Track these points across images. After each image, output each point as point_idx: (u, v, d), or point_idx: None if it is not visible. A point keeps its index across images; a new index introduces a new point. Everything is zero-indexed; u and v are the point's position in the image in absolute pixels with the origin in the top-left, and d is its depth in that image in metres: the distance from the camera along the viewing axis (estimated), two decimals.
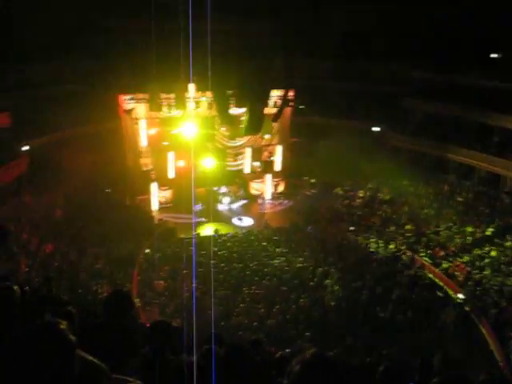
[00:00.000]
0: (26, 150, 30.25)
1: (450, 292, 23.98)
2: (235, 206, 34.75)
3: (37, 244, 23.56)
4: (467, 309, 22.16)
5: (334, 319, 20.35)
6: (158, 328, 4.14)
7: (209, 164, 33.96)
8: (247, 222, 33.09)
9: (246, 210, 34.72)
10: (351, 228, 30.84)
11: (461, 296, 22.93)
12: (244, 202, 34.94)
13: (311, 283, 23.35)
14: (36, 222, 26.12)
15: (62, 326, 2.24)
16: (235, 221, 33.06)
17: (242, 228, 31.97)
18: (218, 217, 32.95)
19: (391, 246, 27.78)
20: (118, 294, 4.49)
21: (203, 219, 32.18)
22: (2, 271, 19.73)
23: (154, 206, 33.81)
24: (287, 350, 17.50)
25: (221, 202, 35.16)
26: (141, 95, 31.42)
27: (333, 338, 18.90)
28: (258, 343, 7.22)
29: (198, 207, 32.93)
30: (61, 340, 2.18)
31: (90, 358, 2.51)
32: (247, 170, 37.70)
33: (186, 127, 33.12)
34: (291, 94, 34.05)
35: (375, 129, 38.47)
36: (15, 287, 3.46)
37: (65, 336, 2.21)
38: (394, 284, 23.55)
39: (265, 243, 28.70)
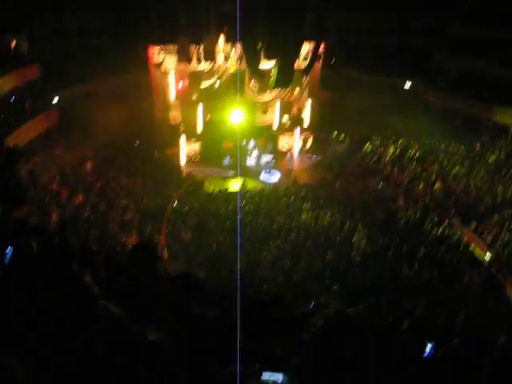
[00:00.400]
0: (56, 103, 30.48)
1: (478, 252, 23.79)
2: (263, 160, 34.48)
3: (67, 195, 23.93)
4: (494, 269, 22.04)
5: (360, 275, 20.41)
6: (182, 279, 4.17)
7: (237, 118, 33.76)
8: (275, 175, 33.01)
9: (274, 165, 34.56)
10: (380, 184, 30.60)
11: (488, 256, 22.77)
12: (271, 157, 34.53)
13: (338, 238, 23.39)
14: (66, 173, 26.46)
15: (86, 278, 2.27)
16: (263, 175, 33.00)
17: (269, 183, 31.97)
18: (246, 171, 33.02)
19: (419, 204, 27.51)
20: (144, 246, 4.52)
21: (231, 172, 32.32)
22: (35, 221, 20.23)
23: (183, 159, 33.91)
24: (311, 306, 17.84)
25: (250, 154, 35.00)
26: (170, 46, 31.16)
27: (357, 294, 19.05)
28: (279, 300, 7.24)
29: (227, 160, 32.99)
30: (84, 291, 2.21)
31: (114, 308, 2.53)
32: (276, 124, 37.46)
33: (216, 81, 32.98)
34: (322, 47, 33.41)
35: (408, 83, 37.75)
36: None
37: (88, 287, 2.24)
38: (421, 242, 23.46)
39: (292, 199, 28.69)
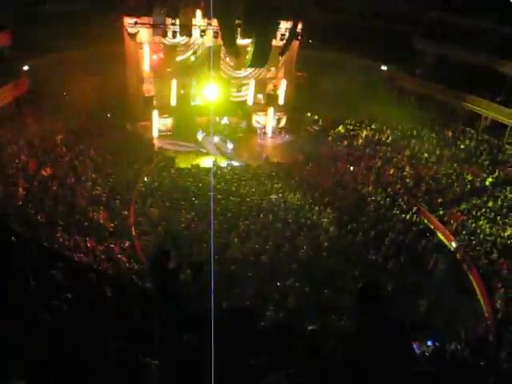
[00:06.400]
0: (26, 70, 29.68)
1: (444, 239, 24.12)
2: (228, 145, 33.77)
3: (35, 167, 23.41)
4: (459, 257, 22.39)
5: (327, 260, 20.51)
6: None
7: (212, 93, 33.45)
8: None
9: (245, 143, 34.44)
10: (351, 168, 30.71)
11: (454, 244, 23.11)
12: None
13: (307, 222, 23.44)
14: (35, 144, 25.84)
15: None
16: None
17: (239, 162, 31.75)
18: (217, 148, 32.90)
19: (389, 189, 27.72)
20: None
21: (203, 149, 32.19)
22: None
23: (155, 133, 33.54)
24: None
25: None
26: (145, 19, 30.46)
27: (324, 278, 19.18)
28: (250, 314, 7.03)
29: (200, 135, 32.73)
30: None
31: None
32: (250, 101, 37.26)
33: (192, 55, 32.59)
34: (300, 26, 33.03)
35: (384, 68, 37.73)
36: None
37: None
38: (389, 228, 23.66)
39: (263, 178, 28.66)
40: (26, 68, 29.59)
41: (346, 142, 33.58)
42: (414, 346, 5.33)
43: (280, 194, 26.62)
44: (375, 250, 21.69)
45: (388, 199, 26.66)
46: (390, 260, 20.91)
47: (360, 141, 33.70)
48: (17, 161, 23.37)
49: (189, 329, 3.89)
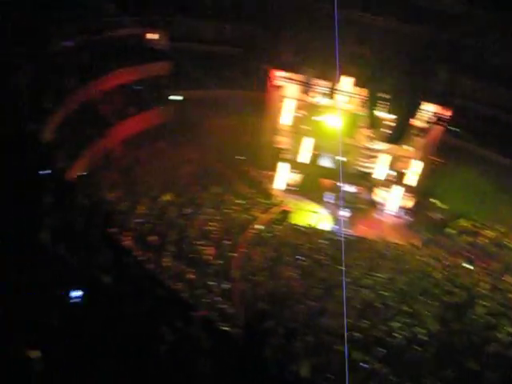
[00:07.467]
0: (174, 101, 31.45)
1: None
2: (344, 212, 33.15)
3: (158, 193, 24.49)
4: None
5: (420, 354, 19.50)
6: None
7: (342, 159, 33.58)
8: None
9: (363, 216, 34.04)
10: (467, 266, 29.26)
11: None
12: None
13: (410, 309, 22.49)
14: (163, 171, 27.08)
15: None
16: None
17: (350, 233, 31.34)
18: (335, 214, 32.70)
19: (502, 298, 25.98)
20: None
21: (322, 211, 32.16)
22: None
23: (279, 184, 33.99)
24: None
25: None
26: (295, 76, 31.35)
27: (410, 373, 18.26)
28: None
29: (328, 198, 32.78)
30: None
31: None
32: (379, 176, 36.77)
33: (330, 118, 33.01)
34: (447, 113, 32.46)
35: None
36: None
37: None
38: (495, 338, 22.12)
39: (373, 254, 27.96)
40: (173, 98, 31.36)
41: (464, 237, 32.15)
42: None
43: (388, 275, 25.81)
44: (473, 357, 20.33)
45: (500, 308, 25.00)
46: (486, 372, 19.50)
47: (481, 239, 32.11)
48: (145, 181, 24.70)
49: None
